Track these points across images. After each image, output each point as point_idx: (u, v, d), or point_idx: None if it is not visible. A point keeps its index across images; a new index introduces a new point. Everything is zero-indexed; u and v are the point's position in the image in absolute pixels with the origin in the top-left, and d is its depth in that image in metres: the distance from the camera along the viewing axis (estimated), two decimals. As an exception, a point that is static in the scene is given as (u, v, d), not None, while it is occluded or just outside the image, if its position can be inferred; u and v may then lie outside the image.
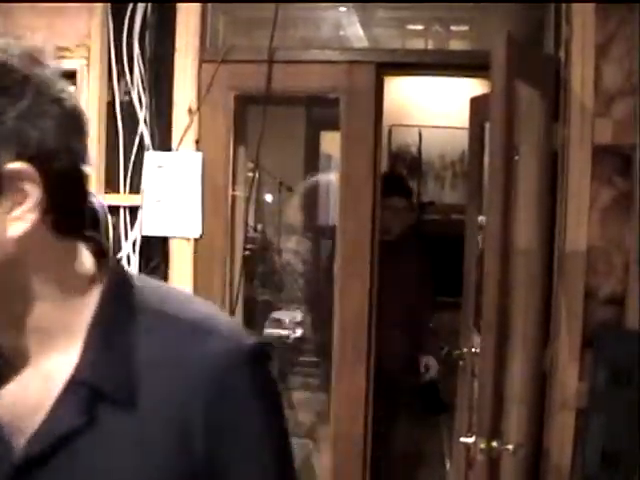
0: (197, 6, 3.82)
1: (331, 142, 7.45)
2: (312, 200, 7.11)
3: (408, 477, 5.69)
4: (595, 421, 3.33)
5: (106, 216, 3.77)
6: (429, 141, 7.33)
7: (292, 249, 6.72)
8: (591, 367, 3.37)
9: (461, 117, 5.51)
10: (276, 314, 5.82)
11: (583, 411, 3.39)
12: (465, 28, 4.97)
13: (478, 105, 4.12)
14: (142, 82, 3.86)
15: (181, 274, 3.86)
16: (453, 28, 4.87)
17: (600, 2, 3.36)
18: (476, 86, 5.82)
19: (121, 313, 1.15)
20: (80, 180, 1.15)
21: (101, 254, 1.21)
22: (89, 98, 3.89)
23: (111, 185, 3.92)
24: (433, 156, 7.43)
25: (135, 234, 3.90)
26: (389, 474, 4.70)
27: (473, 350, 3.95)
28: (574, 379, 3.41)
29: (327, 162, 7.75)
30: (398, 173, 6.89)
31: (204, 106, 3.84)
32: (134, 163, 3.89)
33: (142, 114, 3.87)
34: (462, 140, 5.84)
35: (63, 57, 3.91)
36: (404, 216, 4.86)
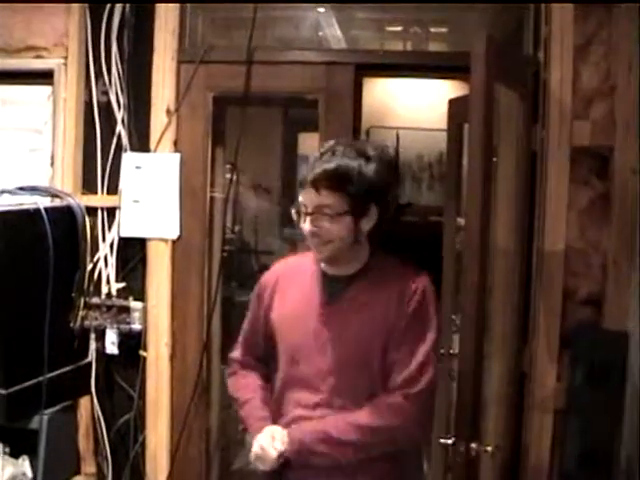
0: (175, 6, 3.81)
1: (308, 143, 7.44)
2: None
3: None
4: (573, 421, 3.34)
5: (84, 217, 3.76)
6: (407, 142, 7.33)
7: (269, 251, 6.71)
8: (569, 367, 3.38)
9: (438, 119, 5.52)
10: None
11: (561, 411, 3.40)
12: (444, 30, 4.96)
13: (456, 107, 4.12)
14: (120, 82, 3.85)
15: (159, 275, 3.85)
16: (432, 30, 4.85)
17: (578, 2, 3.37)
18: (454, 88, 5.84)
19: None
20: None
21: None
22: (66, 98, 3.87)
23: (89, 186, 3.91)
24: (410, 158, 7.44)
25: (113, 235, 3.88)
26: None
27: (451, 351, 3.95)
28: (552, 379, 3.42)
29: (304, 163, 7.73)
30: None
31: (182, 107, 3.83)
32: (112, 164, 3.87)
33: (120, 114, 3.85)
34: (439, 142, 5.85)
35: (40, 56, 3.90)
36: None
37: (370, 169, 2.51)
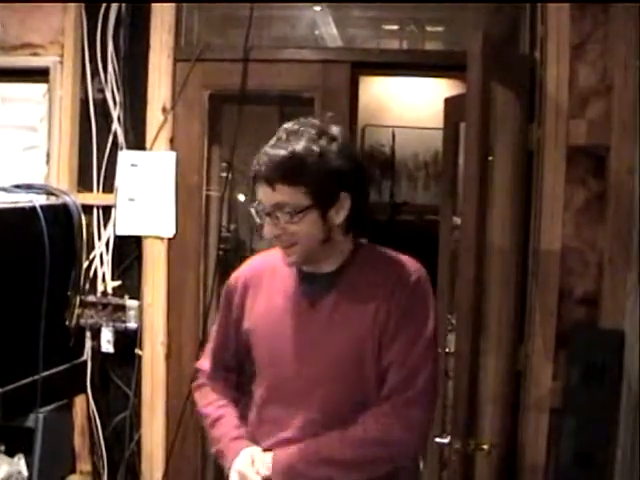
0: (171, 5, 3.81)
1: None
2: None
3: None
4: (568, 420, 3.34)
5: (80, 215, 3.76)
6: (402, 141, 7.34)
7: (265, 249, 6.69)
8: (565, 366, 3.38)
9: (434, 118, 5.52)
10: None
11: (557, 410, 3.40)
12: (440, 28, 4.96)
13: (452, 105, 4.12)
14: (116, 80, 3.84)
15: (155, 273, 3.84)
16: (428, 28, 4.85)
17: (574, 2, 3.37)
18: (450, 87, 5.84)
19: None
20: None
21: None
22: (62, 96, 3.86)
23: (84, 184, 3.90)
24: (406, 156, 7.44)
25: (109, 233, 3.87)
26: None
27: (447, 350, 3.95)
28: (548, 378, 3.42)
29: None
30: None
31: (178, 105, 3.82)
32: (108, 162, 3.86)
33: (116, 112, 3.84)
34: (435, 141, 5.87)
35: (36, 54, 3.89)
36: None
37: (333, 150, 2.17)
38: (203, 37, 4.04)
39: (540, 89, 3.41)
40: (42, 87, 3.97)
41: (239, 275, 2.50)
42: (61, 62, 3.86)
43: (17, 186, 3.74)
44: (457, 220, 3.81)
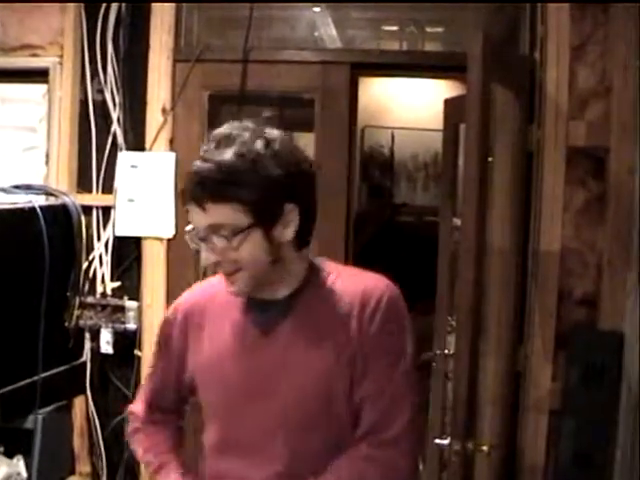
0: (171, 5, 3.81)
1: (303, 142, 7.42)
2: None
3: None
4: (568, 421, 3.34)
5: (79, 216, 3.75)
6: (402, 142, 7.34)
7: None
8: (564, 367, 3.38)
9: (434, 119, 5.52)
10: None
11: (556, 411, 3.40)
12: (440, 29, 4.96)
13: (452, 106, 4.12)
14: (115, 81, 3.84)
15: (154, 274, 3.84)
16: (428, 29, 4.85)
17: (574, 2, 3.37)
18: (449, 88, 5.84)
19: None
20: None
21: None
22: (62, 96, 3.86)
23: (84, 185, 3.90)
24: (406, 158, 7.44)
25: (108, 234, 3.87)
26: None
27: (446, 352, 3.95)
28: (547, 379, 3.42)
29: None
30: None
31: (178, 106, 3.82)
32: (107, 162, 3.86)
33: (115, 113, 3.84)
34: (434, 142, 5.87)
35: (36, 55, 3.89)
36: None
37: (270, 155, 1.85)
38: (203, 38, 4.04)
39: (540, 90, 3.41)
40: (42, 88, 3.97)
41: (179, 306, 2.16)
42: (60, 63, 3.86)
43: (16, 187, 3.74)
44: (457, 221, 3.81)
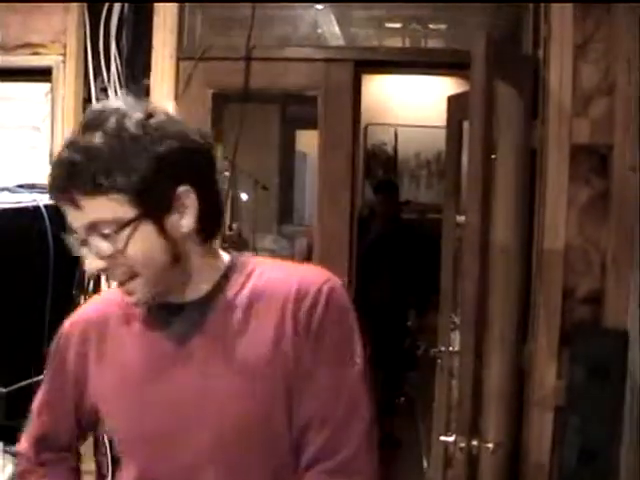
0: (174, 4, 3.81)
1: (305, 140, 7.45)
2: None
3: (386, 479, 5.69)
4: (572, 419, 3.34)
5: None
6: (405, 140, 7.34)
7: (268, 248, 6.71)
8: (569, 365, 3.38)
9: (437, 116, 5.51)
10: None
11: (561, 409, 3.40)
12: (443, 26, 4.97)
13: (456, 104, 4.12)
14: (119, 79, 3.84)
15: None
16: (431, 26, 4.87)
17: (577, 1, 3.37)
18: (452, 85, 5.84)
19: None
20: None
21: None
22: (65, 95, 3.86)
23: (87, 183, 3.89)
24: (409, 155, 7.44)
25: (112, 232, 3.86)
26: None
27: (451, 349, 3.95)
28: (552, 377, 3.42)
29: (302, 160, 7.74)
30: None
31: (181, 104, 3.81)
32: (110, 161, 3.85)
33: (119, 112, 3.84)
34: (438, 139, 5.86)
35: (38, 53, 3.89)
36: None
37: (152, 131, 1.52)
38: (205, 36, 4.04)
39: (543, 88, 3.41)
40: (45, 87, 3.97)
41: (74, 324, 1.82)
42: (64, 62, 3.86)
43: (20, 186, 3.73)
44: (460, 219, 3.81)
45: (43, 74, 3.91)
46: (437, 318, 4.26)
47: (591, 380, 3.30)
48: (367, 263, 4.12)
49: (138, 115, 1.52)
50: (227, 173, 4.14)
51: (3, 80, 4.06)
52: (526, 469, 3.46)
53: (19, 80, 4.06)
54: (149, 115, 1.54)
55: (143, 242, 1.51)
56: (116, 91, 3.83)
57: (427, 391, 4.74)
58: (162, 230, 1.53)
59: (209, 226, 1.62)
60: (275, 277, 1.64)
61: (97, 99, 3.87)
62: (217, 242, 1.70)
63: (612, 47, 3.36)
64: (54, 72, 3.88)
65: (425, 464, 5.12)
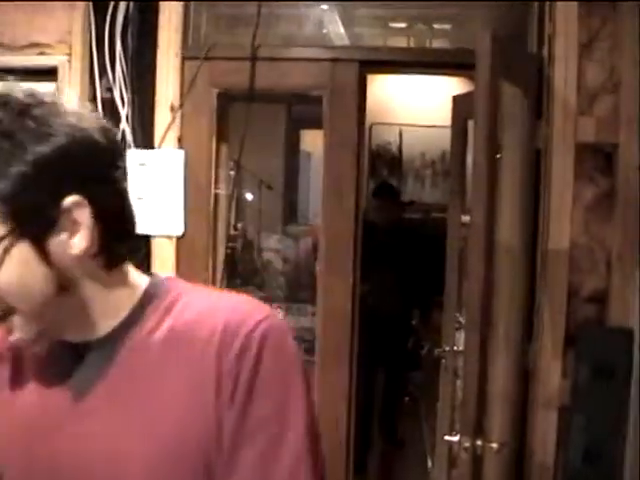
0: (179, 3, 3.80)
1: (310, 140, 7.46)
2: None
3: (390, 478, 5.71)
4: (577, 418, 3.34)
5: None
6: (409, 140, 7.35)
7: (273, 248, 6.72)
8: (574, 364, 3.37)
9: (441, 116, 5.53)
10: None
11: (566, 408, 3.39)
12: (448, 26, 4.97)
13: (460, 103, 4.12)
14: (124, 79, 3.84)
15: (163, 272, 3.84)
16: (436, 26, 4.87)
17: (583, 0, 3.37)
18: (457, 85, 5.85)
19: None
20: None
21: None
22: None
23: (92, 183, 3.89)
24: (413, 155, 7.44)
25: (117, 232, 3.87)
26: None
27: (455, 348, 3.95)
28: (557, 376, 3.42)
29: (306, 159, 7.76)
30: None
31: (186, 103, 3.82)
32: (115, 160, 3.86)
33: (124, 111, 3.84)
34: (442, 139, 5.87)
35: (44, 53, 3.89)
36: None
37: (27, 126, 1.20)
38: (211, 36, 4.04)
39: (548, 87, 3.41)
40: (50, 86, 3.97)
41: None
42: (69, 61, 3.87)
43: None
44: (465, 218, 3.81)
45: (49, 74, 3.91)
46: (441, 318, 4.26)
47: (596, 379, 3.29)
48: (370, 263, 4.12)
49: (16, 104, 1.24)
50: (232, 173, 4.15)
51: (8, 80, 4.06)
52: (531, 469, 3.45)
53: (24, 80, 4.04)
54: (31, 104, 1.24)
55: (17, 268, 1.17)
56: (121, 90, 3.84)
57: (431, 391, 4.75)
58: (43, 253, 1.19)
59: (113, 247, 1.29)
60: (201, 311, 1.29)
61: (102, 98, 3.87)
62: (129, 265, 1.37)
63: (617, 45, 3.36)
64: (60, 72, 3.88)
65: (429, 464, 5.13)
